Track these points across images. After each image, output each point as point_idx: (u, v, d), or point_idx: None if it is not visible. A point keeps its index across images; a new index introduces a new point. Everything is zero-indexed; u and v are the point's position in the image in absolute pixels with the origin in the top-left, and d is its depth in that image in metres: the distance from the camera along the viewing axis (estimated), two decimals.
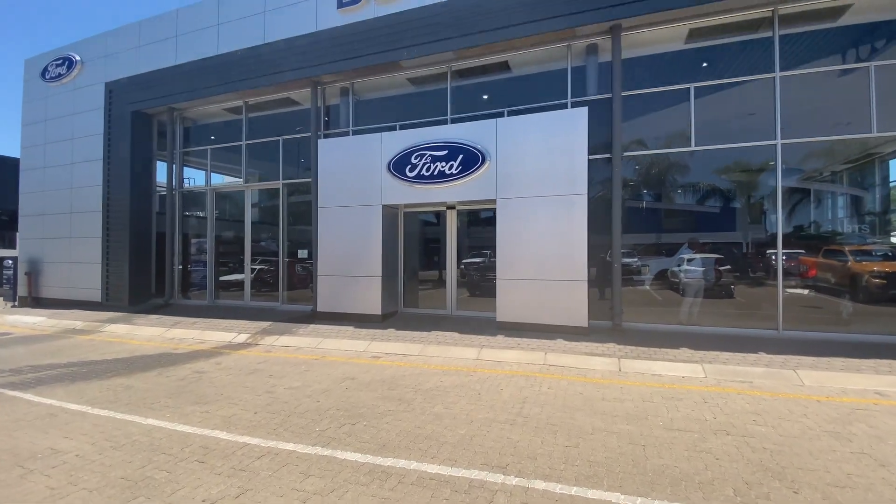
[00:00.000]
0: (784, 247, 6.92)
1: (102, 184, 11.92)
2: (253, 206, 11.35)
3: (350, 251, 8.68)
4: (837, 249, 7.31)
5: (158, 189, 12.28)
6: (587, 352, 6.27)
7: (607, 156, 7.67)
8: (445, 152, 7.89)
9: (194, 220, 12.25)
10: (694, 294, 7.44)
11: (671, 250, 7.96)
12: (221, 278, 11.63)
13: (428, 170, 7.99)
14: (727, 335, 6.90)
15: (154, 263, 12.16)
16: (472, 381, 5.37)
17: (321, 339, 7.65)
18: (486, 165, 7.65)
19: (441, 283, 9.12)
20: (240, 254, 11.19)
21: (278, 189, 10.47)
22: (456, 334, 7.42)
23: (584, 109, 7.20)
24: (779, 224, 6.90)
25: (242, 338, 8.19)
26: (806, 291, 7.28)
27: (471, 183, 7.79)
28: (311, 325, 8.52)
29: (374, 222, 8.49)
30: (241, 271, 11.03)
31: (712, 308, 7.44)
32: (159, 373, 6.11)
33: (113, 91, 11.91)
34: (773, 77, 7.01)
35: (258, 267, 11.11)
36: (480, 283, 9.13)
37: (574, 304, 7.06)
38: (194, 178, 12.09)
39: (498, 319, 7.60)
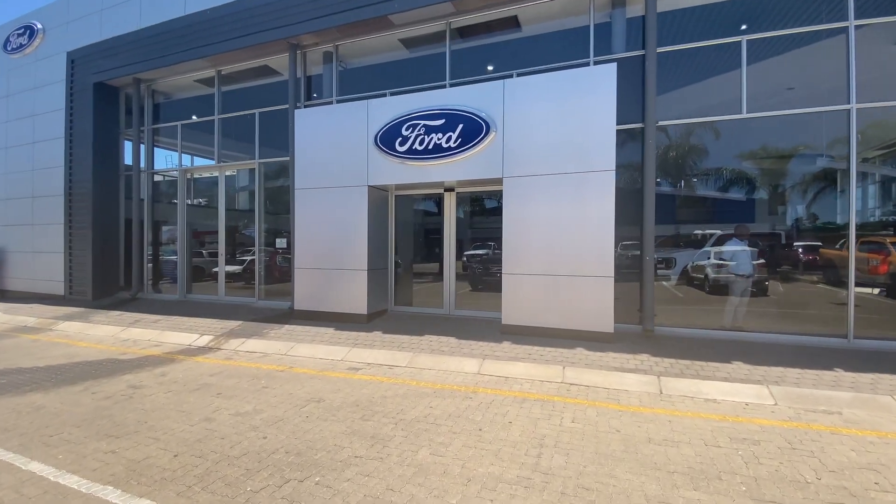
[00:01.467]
0: (856, 237, 5.61)
1: (64, 165, 10.73)
2: (229, 190, 10.12)
3: (332, 240, 7.45)
4: None
5: (128, 172, 11.06)
6: (617, 366, 5.02)
7: (636, 126, 6.37)
8: (442, 121, 6.60)
9: (167, 205, 11.04)
10: (740, 293, 6.16)
11: (693, 242, 6.67)
12: (216, 269, 10.44)
13: (421, 143, 6.72)
14: (785, 344, 5.63)
15: (123, 254, 11.00)
16: (471, 407, 4.14)
17: (293, 345, 6.44)
18: (490, 137, 6.36)
19: (439, 277, 7.86)
20: (216, 244, 9.98)
21: (254, 170, 9.22)
22: (453, 340, 6.19)
23: (612, 66, 5.86)
24: (851, 208, 5.57)
25: (204, 340, 7.00)
26: (875, 291, 5.99)
27: (473, 159, 6.50)
28: (286, 326, 7.32)
29: (359, 207, 7.24)
30: (221, 263, 9.83)
31: (756, 308, 6.15)
32: (86, 388, 4.93)
33: (75, 61, 10.67)
34: (846, 27, 5.65)
35: (239, 258, 9.91)
36: (484, 278, 7.89)
37: (598, 306, 5.80)
38: (165, 159, 10.85)
39: (504, 322, 6.36)
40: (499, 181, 6.49)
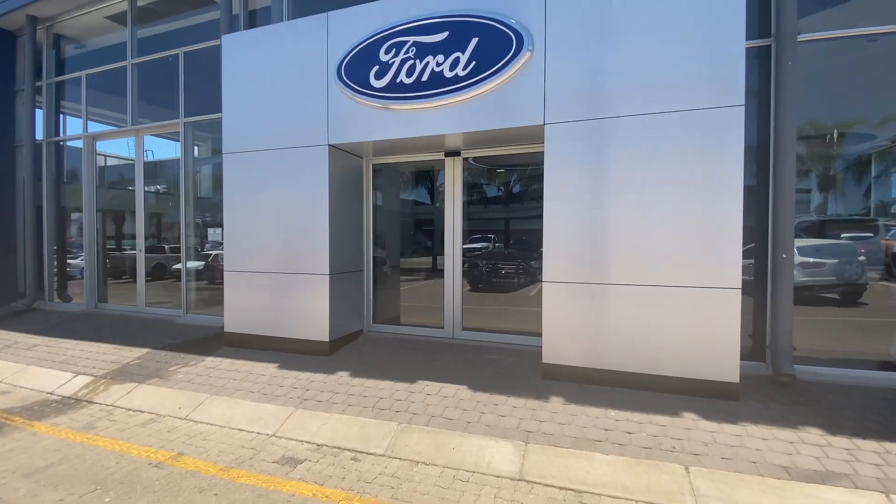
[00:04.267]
0: None
1: None
2: (154, 167, 7.53)
3: (277, 230, 4.95)
4: None
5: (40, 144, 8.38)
6: (786, 463, 2.62)
7: (761, 42, 3.95)
8: (444, 35, 4.12)
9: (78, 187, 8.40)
10: None
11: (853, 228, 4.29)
12: (148, 270, 7.85)
13: (411, 72, 4.23)
14: None
15: (24, 250, 8.35)
16: None
17: (204, 399, 3.96)
18: (523, 58, 3.90)
19: (436, 279, 5.42)
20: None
21: (178, 133, 6.65)
22: (465, 391, 3.76)
23: None
24: None
25: (77, 385, 4.50)
26: None
27: (494, 95, 4.04)
28: (207, 360, 4.84)
29: (315, 178, 4.75)
30: (140, 264, 7.26)
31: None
32: None
33: None
34: None
35: (201, 259, 7.36)
36: (498, 282, 5.48)
37: (715, 336, 3.40)
38: (71, 125, 8.17)
39: (547, 359, 3.94)
40: (536, 135, 4.05)
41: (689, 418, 3.16)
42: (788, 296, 3.70)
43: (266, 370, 4.49)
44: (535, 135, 4.14)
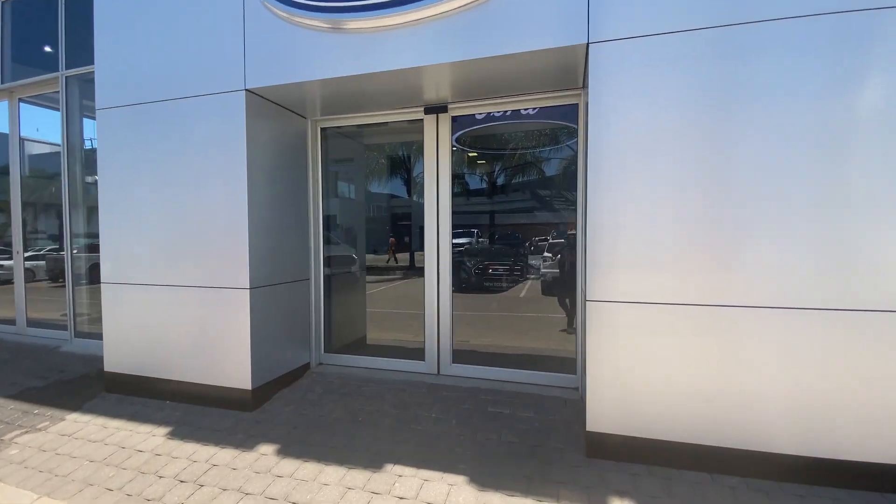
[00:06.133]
0: None
1: None
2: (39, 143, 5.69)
3: (173, 223, 3.30)
4: None
5: None
6: None
7: None
8: None
9: None
10: None
11: None
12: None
13: None
14: None
15: None
16: None
17: None
18: None
19: (417, 276, 3.89)
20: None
21: (59, 93, 4.87)
22: (466, 487, 2.24)
23: None
24: None
25: None
26: None
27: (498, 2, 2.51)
28: (69, 419, 3.18)
29: (225, 145, 3.11)
30: (18, 268, 5.44)
31: None
32: None
33: None
34: None
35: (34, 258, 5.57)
36: (496, 287, 4.00)
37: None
38: None
39: (593, 428, 2.44)
40: (566, 71, 2.55)
41: None
42: None
43: (148, 441, 2.86)
44: (566, 70, 2.64)
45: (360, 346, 4.27)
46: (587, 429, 2.44)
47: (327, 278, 4.04)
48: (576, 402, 3.04)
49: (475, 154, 4.06)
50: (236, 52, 3.08)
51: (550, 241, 3.91)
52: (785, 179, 2.12)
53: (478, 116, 3.61)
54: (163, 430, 2.99)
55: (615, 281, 2.36)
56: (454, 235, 3.64)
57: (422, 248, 3.64)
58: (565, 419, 2.83)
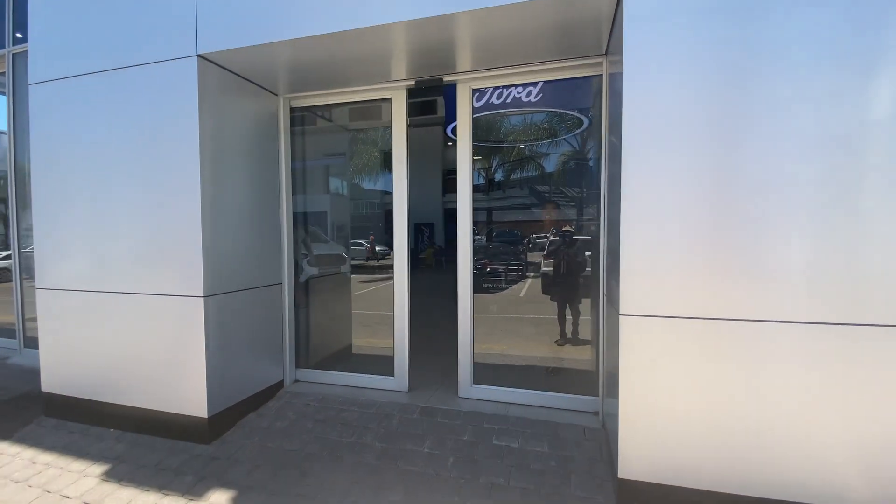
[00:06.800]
0: None
1: None
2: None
3: (115, 216, 2.77)
4: None
5: None
6: None
7: None
8: None
9: None
10: None
11: None
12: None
13: None
14: None
15: None
16: None
17: None
18: None
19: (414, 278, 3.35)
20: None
21: (3, 78, 4.32)
22: None
23: None
24: None
25: None
26: None
27: None
28: None
29: (174, 122, 2.57)
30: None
31: None
32: None
33: None
34: None
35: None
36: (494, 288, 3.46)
37: None
38: None
39: (626, 475, 1.94)
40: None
41: None
42: None
43: (79, 484, 2.34)
44: (585, 25, 2.12)
45: (344, 357, 3.74)
46: (619, 475, 1.94)
47: (305, 281, 3.52)
48: (597, 433, 2.54)
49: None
50: (186, 9, 2.54)
51: (551, 238, 3.36)
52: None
53: (475, 104, 3.08)
54: (98, 469, 2.46)
55: (659, 291, 1.84)
56: (450, 233, 3.11)
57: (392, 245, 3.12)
58: (587, 456, 2.32)
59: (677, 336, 1.84)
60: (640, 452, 1.91)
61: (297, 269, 3.43)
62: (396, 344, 3.19)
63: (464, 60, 2.70)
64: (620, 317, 1.90)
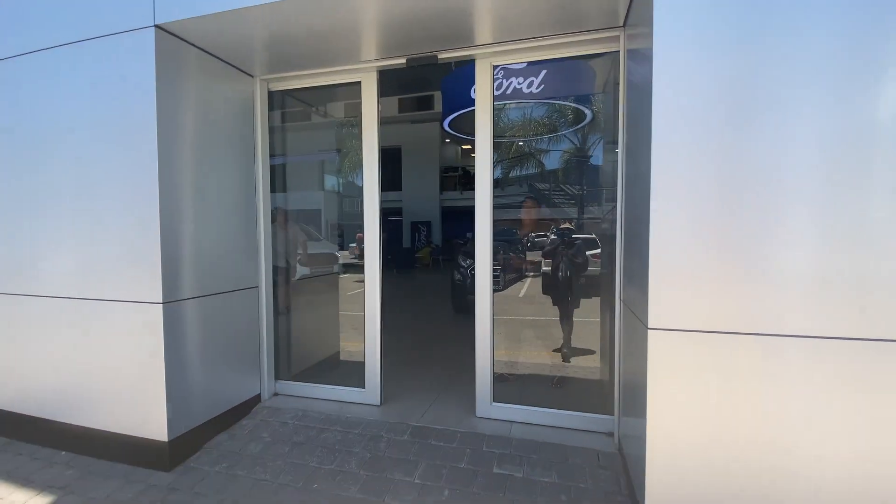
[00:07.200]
0: None
1: None
2: None
3: (61, 211, 2.44)
4: None
5: None
6: None
7: None
8: None
9: None
10: None
11: None
12: None
13: None
14: None
15: None
16: None
17: None
18: None
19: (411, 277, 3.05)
20: None
21: None
22: None
23: None
24: None
25: None
26: None
27: None
28: None
29: (130, 104, 2.24)
30: None
31: None
32: None
33: None
34: None
35: None
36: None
37: None
38: None
39: None
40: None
41: None
42: None
43: None
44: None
45: (331, 366, 3.42)
46: None
47: (286, 284, 3.20)
48: (612, 457, 2.23)
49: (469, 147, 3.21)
50: None
51: (551, 237, 3.04)
52: None
53: (472, 95, 2.75)
54: (41, 502, 2.14)
55: (695, 303, 1.53)
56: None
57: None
58: (603, 488, 2.01)
59: (720, 354, 1.52)
60: (672, 485, 1.60)
61: (277, 270, 3.10)
62: (367, 356, 2.87)
63: (483, 31, 2.35)
64: (649, 331, 1.58)
